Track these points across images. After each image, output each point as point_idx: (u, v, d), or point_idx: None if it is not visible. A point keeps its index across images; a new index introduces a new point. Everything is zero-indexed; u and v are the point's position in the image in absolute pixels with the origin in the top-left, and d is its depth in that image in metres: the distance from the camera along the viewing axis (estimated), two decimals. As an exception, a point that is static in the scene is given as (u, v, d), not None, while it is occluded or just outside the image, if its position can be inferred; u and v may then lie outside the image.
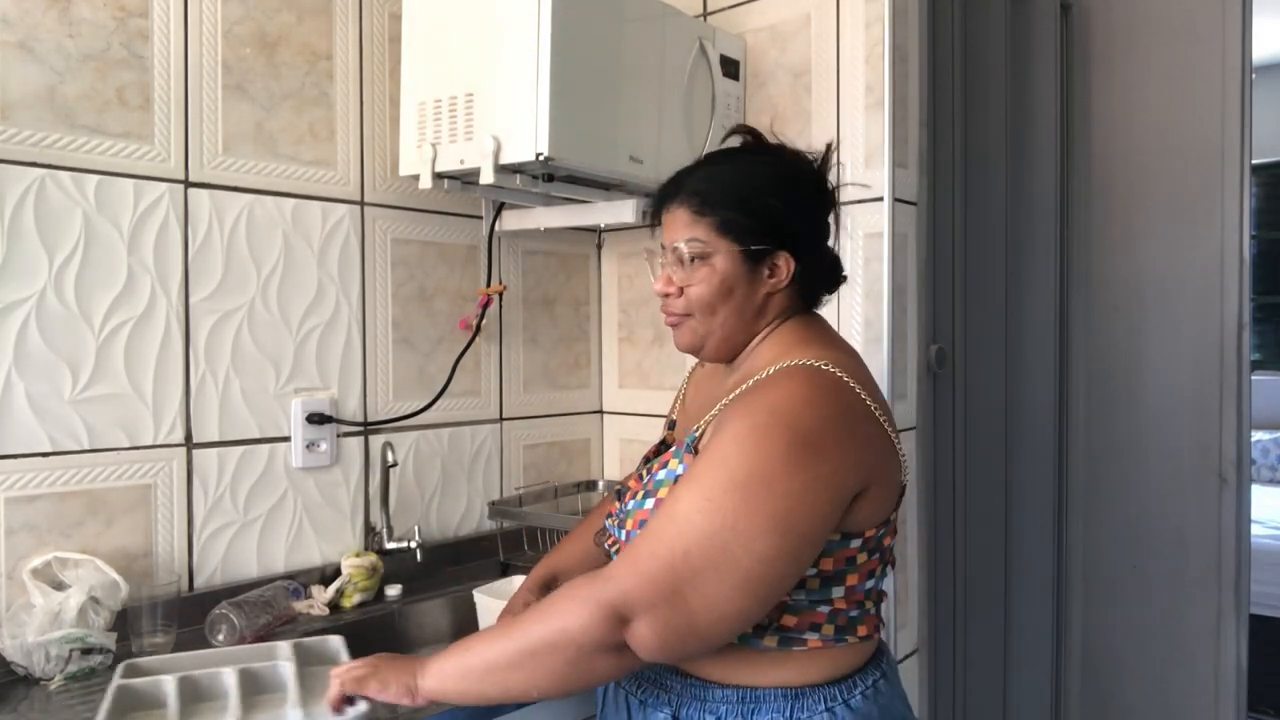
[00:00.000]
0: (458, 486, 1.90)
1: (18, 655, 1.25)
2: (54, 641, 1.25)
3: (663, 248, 1.14)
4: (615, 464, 2.18)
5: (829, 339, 1.13)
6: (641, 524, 1.05)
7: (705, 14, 1.99)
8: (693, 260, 1.09)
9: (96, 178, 1.41)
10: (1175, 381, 2.30)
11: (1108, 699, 2.41)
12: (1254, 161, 2.25)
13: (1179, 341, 2.30)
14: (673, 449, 1.10)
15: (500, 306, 1.98)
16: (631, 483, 1.16)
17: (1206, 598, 2.25)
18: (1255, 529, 2.49)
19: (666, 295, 1.12)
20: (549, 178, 1.64)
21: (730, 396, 1.06)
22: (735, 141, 1.18)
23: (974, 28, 2.11)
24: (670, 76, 1.74)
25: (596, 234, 2.19)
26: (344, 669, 1.05)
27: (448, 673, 1.01)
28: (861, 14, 1.75)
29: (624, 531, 1.10)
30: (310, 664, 1.30)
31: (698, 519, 0.93)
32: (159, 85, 1.48)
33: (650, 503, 1.06)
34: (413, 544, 1.70)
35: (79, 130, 1.39)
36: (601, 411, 2.21)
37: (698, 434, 1.06)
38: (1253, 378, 2.28)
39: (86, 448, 1.41)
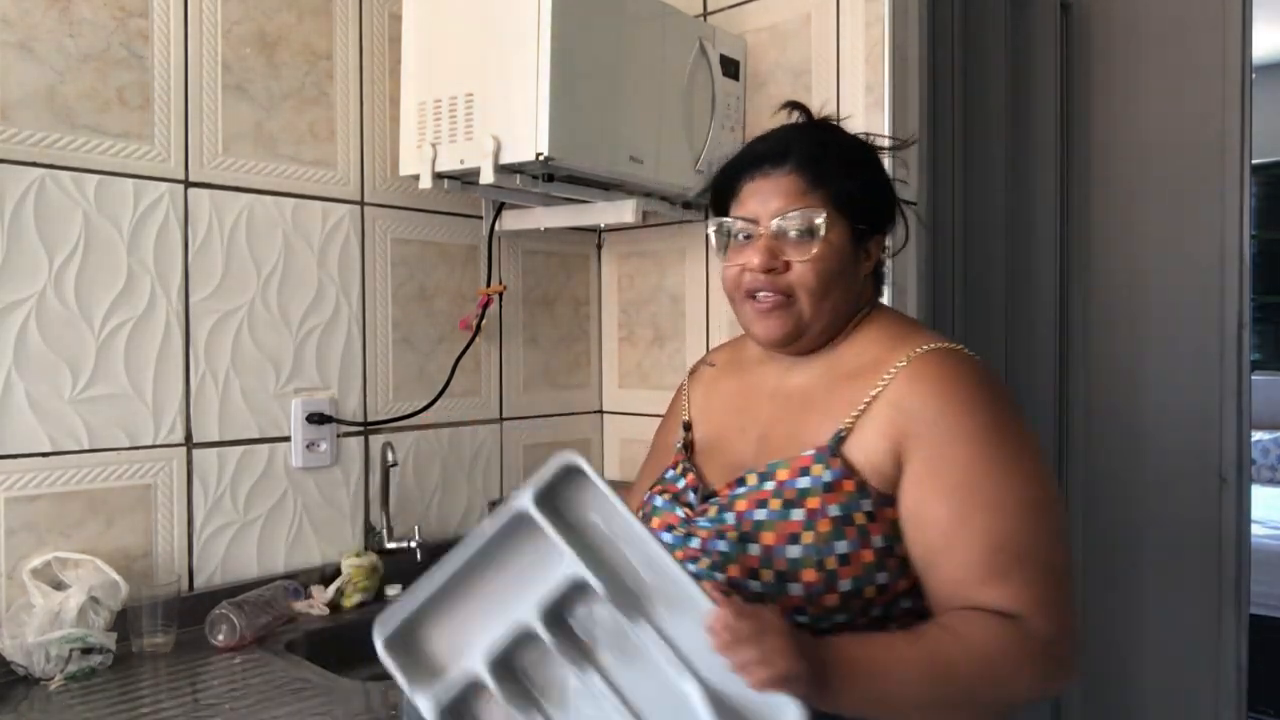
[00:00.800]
0: (458, 486, 1.90)
1: (18, 655, 1.25)
2: (54, 641, 1.25)
3: (740, 220, 1.02)
4: (615, 464, 2.18)
5: (926, 327, 1.08)
6: (791, 537, 0.92)
7: (705, 14, 1.99)
8: (803, 235, 0.98)
9: (96, 178, 1.41)
10: (1175, 381, 2.30)
11: (1108, 699, 2.41)
12: (1254, 161, 2.25)
13: (1179, 341, 2.30)
14: (810, 454, 0.96)
15: (500, 306, 1.98)
16: (720, 489, 1.00)
17: (1206, 598, 2.25)
18: (1255, 529, 2.49)
19: (769, 271, 0.98)
20: (549, 178, 1.64)
21: (876, 390, 0.96)
22: (790, 115, 1.09)
23: (974, 28, 2.10)
24: (670, 76, 1.74)
25: (596, 234, 2.18)
26: (733, 639, 0.75)
27: (860, 699, 0.82)
28: (861, 14, 1.75)
29: (757, 546, 0.94)
30: None
31: (1049, 524, 0.91)
32: (159, 85, 1.48)
33: (799, 513, 0.93)
34: (413, 544, 1.70)
35: (79, 130, 1.39)
36: (601, 411, 2.21)
37: (843, 435, 0.96)
38: (1253, 378, 2.28)
39: (86, 448, 1.41)
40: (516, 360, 2.02)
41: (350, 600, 1.62)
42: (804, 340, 1.02)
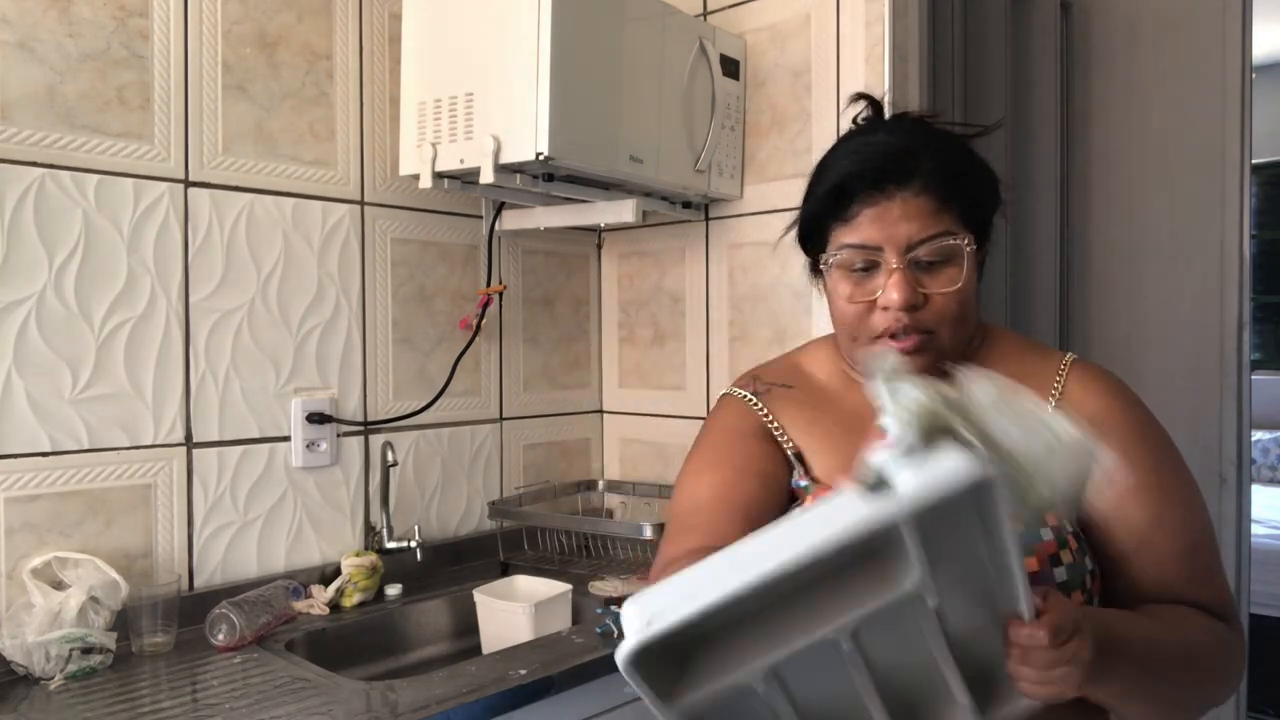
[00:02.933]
0: (458, 486, 1.90)
1: (18, 655, 1.25)
2: (54, 641, 1.25)
3: (856, 248, 0.89)
4: (615, 463, 2.18)
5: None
6: (1052, 558, 0.87)
7: (705, 14, 1.99)
8: (942, 263, 0.87)
9: (96, 177, 1.41)
10: (1175, 381, 2.30)
11: (1108, 699, 2.41)
12: (1254, 161, 2.25)
13: (1179, 341, 2.30)
14: None
15: (500, 306, 1.98)
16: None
17: (1206, 598, 2.25)
18: (1255, 529, 2.49)
19: (913, 308, 0.86)
20: (549, 177, 1.64)
21: (1052, 400, 0.94)
22: (859, 108, 0.99)
23: (974, 28, 2.10)
24: (670, 76, 1.74)
25: (596, 234, 2.18)
26: (1049, 633, 0.68)
27: (1125, 672, 0.76)
28: (861, 14, 1.75)
29: None
30: None
31: (1201, 509, 0.93)
32: (159, 85, 1.48)
33: (1047, 532, 0.88)
34: (413, 544, 1.70)
35: (79, 130, 1.39)
36: (601, 411, 2.21)
37: None
38: (1253, 378, 2.28)
39: (86, 447, 1.41)
40: (516, 360, 2.02)
41: (350, 600, 1.62)
42: (936, 372, 0.90)
